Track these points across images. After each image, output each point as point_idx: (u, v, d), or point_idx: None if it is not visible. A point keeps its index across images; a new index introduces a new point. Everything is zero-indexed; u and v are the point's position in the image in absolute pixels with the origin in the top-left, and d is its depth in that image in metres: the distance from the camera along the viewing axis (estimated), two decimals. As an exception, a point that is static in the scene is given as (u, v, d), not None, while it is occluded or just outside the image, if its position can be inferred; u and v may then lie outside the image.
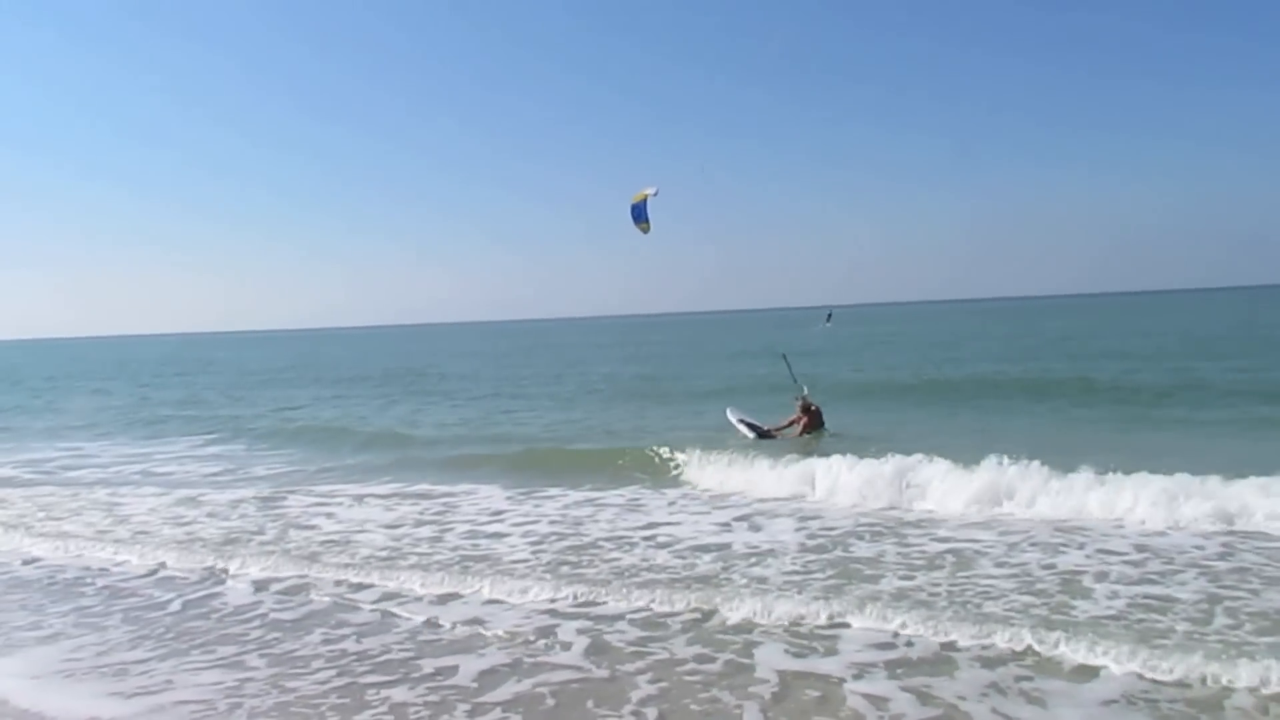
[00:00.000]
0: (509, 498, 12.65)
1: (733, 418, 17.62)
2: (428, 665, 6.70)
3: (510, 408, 25.23)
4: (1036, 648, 6.38)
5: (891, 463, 11.89)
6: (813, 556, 9.01)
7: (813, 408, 16.82)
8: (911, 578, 8.17)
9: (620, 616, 7.54)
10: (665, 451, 14.81)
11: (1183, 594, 7.39)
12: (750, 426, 17.19)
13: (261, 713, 5.98)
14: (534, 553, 9.64)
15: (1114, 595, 7.43)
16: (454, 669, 6.60)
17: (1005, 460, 11.13)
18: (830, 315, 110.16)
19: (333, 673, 6.62)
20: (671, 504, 11.99)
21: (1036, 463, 11.01)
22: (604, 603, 7.89)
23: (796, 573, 8.48)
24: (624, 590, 8.08)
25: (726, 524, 10.65)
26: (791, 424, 16.78)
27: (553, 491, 12.87)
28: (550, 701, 5.98)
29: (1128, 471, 10.56)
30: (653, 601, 7.80)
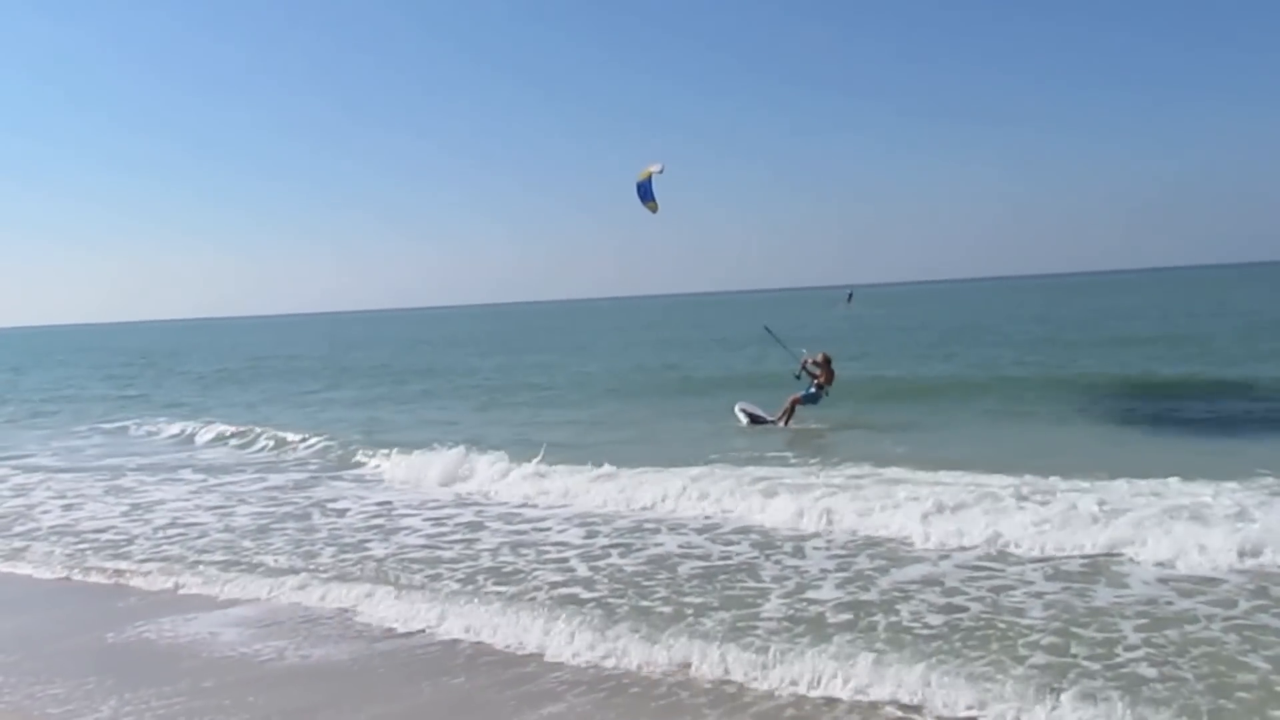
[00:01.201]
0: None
1: (738, 410, 17.98)
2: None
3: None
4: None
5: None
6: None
7: (832, 364, 17.13)
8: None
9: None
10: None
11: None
12: (752, 417, 17.57)
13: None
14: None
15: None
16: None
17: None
18: (851, 295, 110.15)
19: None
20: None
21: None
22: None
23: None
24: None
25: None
26: (811, 370, 17.03)
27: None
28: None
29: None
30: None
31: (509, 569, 9.11)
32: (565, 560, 9.36)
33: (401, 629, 7.69)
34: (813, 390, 17.15)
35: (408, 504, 12.41)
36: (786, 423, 17.14)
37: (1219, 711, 5.46)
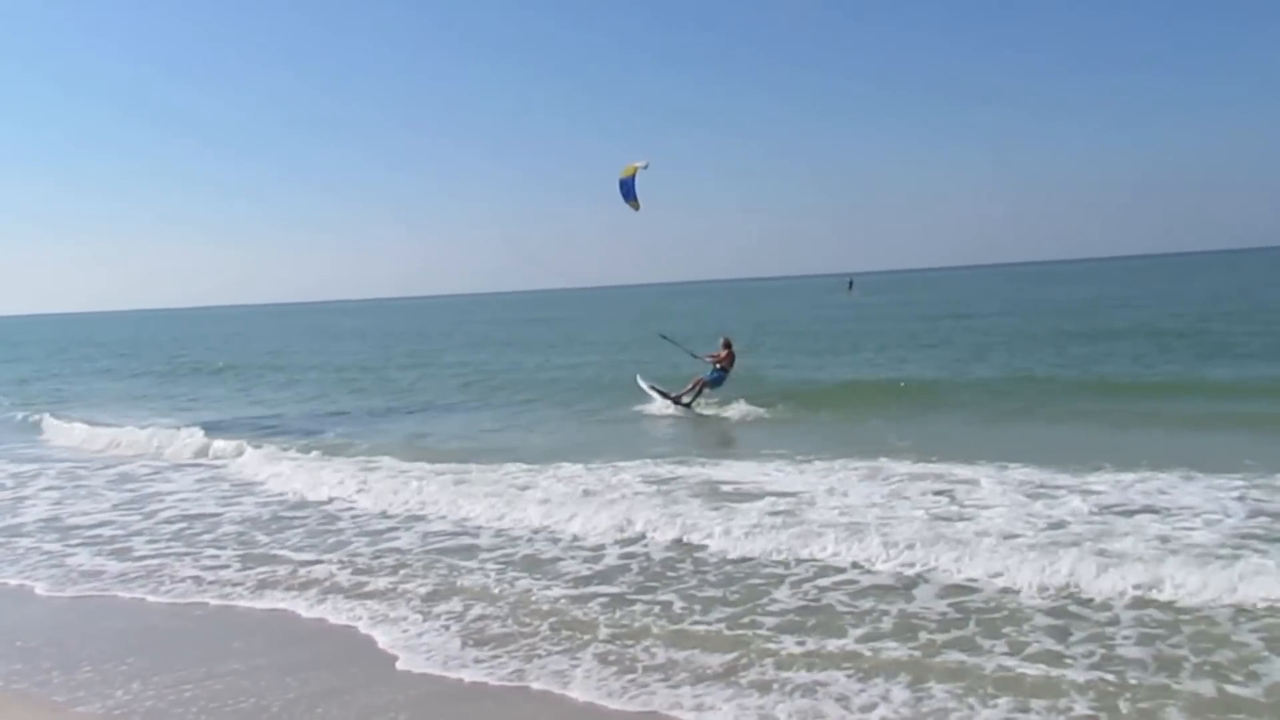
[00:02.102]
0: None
1: (643, 384, 19.12)
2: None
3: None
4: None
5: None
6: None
7: (733, 347, 18.48)
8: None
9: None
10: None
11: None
12: (662, 394, 18.54)
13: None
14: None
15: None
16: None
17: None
18: (852, 283, 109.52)
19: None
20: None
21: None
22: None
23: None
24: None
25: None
26: (716, 359, 18.33)
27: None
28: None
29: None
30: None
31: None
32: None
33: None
34: (717, 371, 18.31)
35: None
36: (691, 404, 18.13)
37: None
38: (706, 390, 18.27)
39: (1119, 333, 29.70)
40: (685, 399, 18.22)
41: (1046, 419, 16.03)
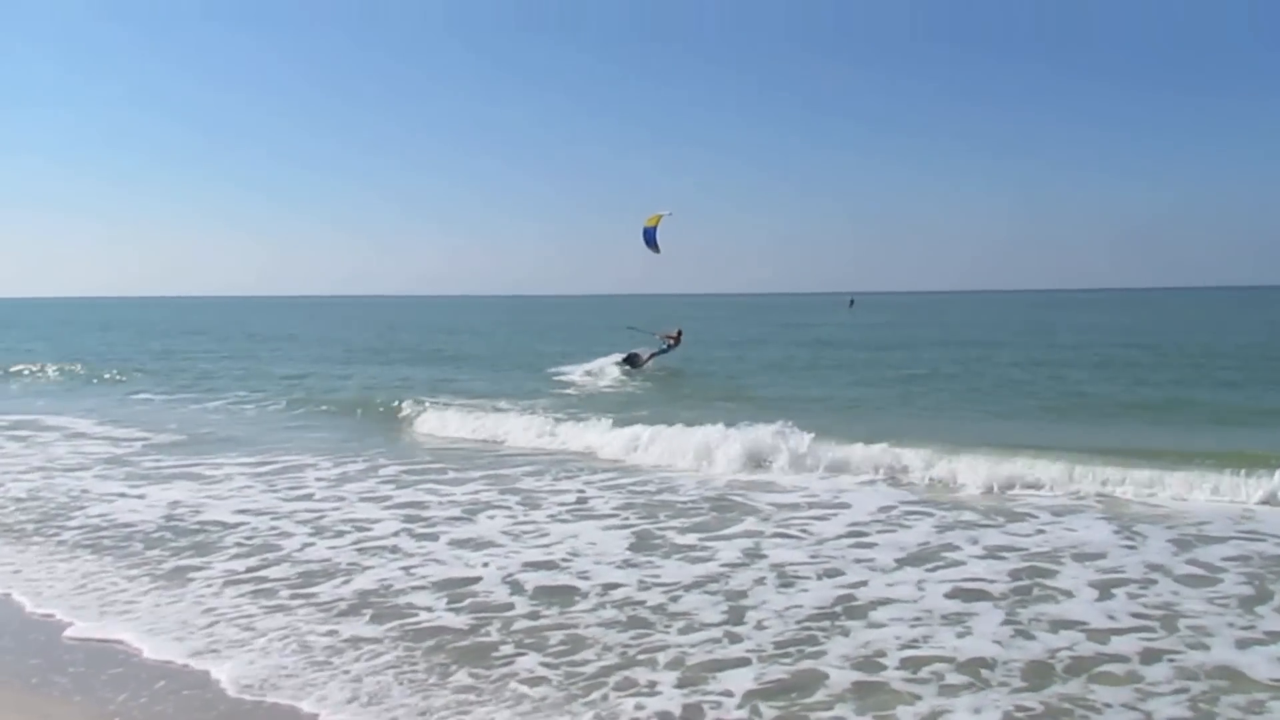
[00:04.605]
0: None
1: (617, 357, 24.50)
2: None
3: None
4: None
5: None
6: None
7: (680, 334, 25.55)
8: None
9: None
10: None
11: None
12: (627, 359, 24.27)
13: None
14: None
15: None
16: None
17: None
18: (853, 301, 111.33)
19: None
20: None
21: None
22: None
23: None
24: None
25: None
26: (668, 338, 25.19)
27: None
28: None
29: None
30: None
31: None
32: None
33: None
34: (665, 348, 25.10)
35: None
36: (642, 365, 24.29)
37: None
38: (656, 357, 24.77)
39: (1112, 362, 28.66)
40: (647, 367, 24.30)
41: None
